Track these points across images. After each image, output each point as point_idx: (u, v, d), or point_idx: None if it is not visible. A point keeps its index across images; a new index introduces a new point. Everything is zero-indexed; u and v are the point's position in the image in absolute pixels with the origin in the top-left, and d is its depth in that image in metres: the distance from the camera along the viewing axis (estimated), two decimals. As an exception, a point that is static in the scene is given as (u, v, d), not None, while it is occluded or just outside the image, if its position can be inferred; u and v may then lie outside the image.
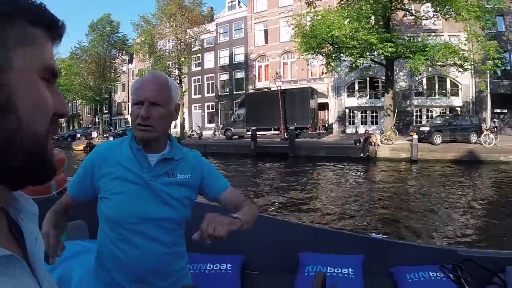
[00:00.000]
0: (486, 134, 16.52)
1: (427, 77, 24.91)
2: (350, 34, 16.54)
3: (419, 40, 17.11)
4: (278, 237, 2.52)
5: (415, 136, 16.40)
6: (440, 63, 17.28)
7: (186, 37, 25.30)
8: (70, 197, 1.30)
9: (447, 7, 16.92)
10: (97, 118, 37.05)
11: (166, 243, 1.26)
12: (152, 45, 25.73)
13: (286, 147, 18.94)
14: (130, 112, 1.27)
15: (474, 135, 17.14)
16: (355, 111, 26.75)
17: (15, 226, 0.47)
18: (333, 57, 18.69)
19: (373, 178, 12.69)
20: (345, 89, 26.70)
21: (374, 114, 26.57)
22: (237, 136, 24.07)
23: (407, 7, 18.48)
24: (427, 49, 16.07)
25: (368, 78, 25.63)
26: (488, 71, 17.76)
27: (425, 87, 25.19)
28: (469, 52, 16.36)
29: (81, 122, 44.19)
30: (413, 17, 19.58)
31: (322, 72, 25.08)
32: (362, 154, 16.88)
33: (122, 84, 38.28)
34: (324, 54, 19.17)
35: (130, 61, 37.92)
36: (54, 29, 0.44)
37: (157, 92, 1.20)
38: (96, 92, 32.79)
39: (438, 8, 17.57)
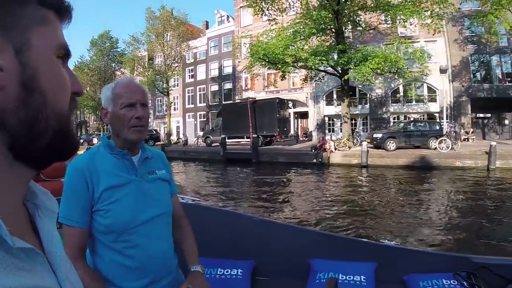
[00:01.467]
0: (442, 139, 16.45)
1: (404, 84, 24.91)
2: (281, 51, 17.44)
3: (368, 49, 17.39)
4: (289, 243, 2.47)
5: (365, 143, 16.74)
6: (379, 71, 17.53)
7: (172, 53, 27.06)
8: (82, 228, 1.18)
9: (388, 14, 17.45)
10: (102, 125, 39.15)
11: (167, 238, 1.31)
12: (140, 60, 27.81)
13: (250, 153, 19.92)
14: (113, 116, 1.22)
15: (434, 141, 16.96)
16: (334, 119, 26.80)
17: (32, 222, 0.46)
18: (284, 70, 19.51)
19: (317, 181, 13.16)
20: (324, 98, 27.02)
21: (353, 121, 26.68)
22: (218, 143, 25.24)
23: (357, 19, 18.96)
24: (369, 58, 16.42)
25: (348, 87, 25.93)
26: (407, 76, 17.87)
27: (401, 93, 25.11)
28: (398, 59, 16.50)
29: (88, 128, 46.40)
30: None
31: (302, 82, 25.88)
32: (315, 160, 17.43)
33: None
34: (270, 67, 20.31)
35: (132, 74, 39.95)
36: (62, 9, 0.45)
37: (145, 95, 1.25)
38: (97, 102, 34.45)
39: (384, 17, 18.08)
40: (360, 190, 11.07)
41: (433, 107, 24.33)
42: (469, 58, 24.00)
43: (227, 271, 2.29)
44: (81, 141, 35.43)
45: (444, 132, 16.85)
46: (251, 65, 19.46)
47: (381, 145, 17.42)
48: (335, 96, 26.54)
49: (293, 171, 15.80)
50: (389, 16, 17.19)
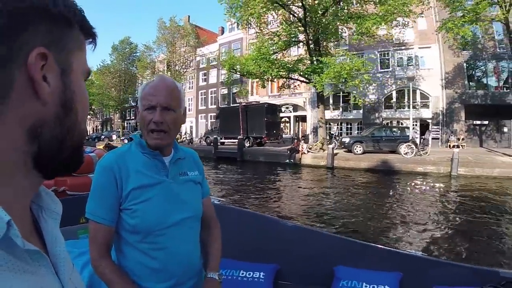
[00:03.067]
0: (407, 145, 17.05)
1: (397, 90, 25.25)
2: (250, 63, 18.99)
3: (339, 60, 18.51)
4: (314, 248, 2.44)
5: (331, 146, 17.85)
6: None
7: (181, 59, 29.79)
8: (108, 225, 1.15)
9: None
10: (125, 123, 43.16)
11: (194, 242, 1.28)
12: (160, 63, 30.75)
13: (236, 152, 21.71)
14: (139, 117, 1.22)
15: (403, 146, 17.53)
16: (331, 123, 27.60)
17: (36, 224, 0.47)
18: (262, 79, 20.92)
19: (283, 179, 14.45)
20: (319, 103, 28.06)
21: (349, 126, 27.41)
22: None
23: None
24: (329, 68, 17.35)
25: (341, 92, 26.83)
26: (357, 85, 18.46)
27: (394, 100, 25.48)
28: (348, 69, 17.37)
29: (112, 125, 50.05)
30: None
31: (279, 89, 27.54)
32: (287, 160, 18.84)
33: None
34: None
35: (151, 77, 42.97)
36: (92, 35, 0.47)
37: (169, 97, 1.18)
38: (117, 102, 38.07)
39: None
40: (306, 188, 12.24)
41: (426, 113, 24.42)
42: (464, 64, 23.82)
43: (249, 274, 2.27)
44: (102, 137, 38.98)
45: (410, 138, 17.54)
46: (228, 79, 21.40)
47: (349, 148, 18.34)
48: (331, 101, 27.41)
49: (266, 169, 17.33)
50: (357, 26, 18.18)
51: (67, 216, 0.51)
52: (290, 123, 30.41)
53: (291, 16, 19.21)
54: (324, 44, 19.82)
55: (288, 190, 11.80)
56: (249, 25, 20.42)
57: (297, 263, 2.41)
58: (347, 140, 18.78)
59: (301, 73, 19.51)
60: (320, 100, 20.13)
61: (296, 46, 20.34)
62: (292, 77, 21.06)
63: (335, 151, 18.63)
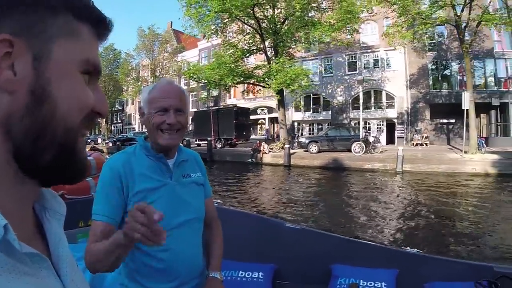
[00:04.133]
0: (357, 144, 17.96)
1: (364, 91, 26.26)
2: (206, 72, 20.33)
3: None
4: (310, 247, 2.48)
5: (287, 146, 18.91)
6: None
7: (159, 66, 31.24)
8: (109, 223, 1.16)
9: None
10: (112, 127, 44.35)
11: (197, 243, 1.31)
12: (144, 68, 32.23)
13: (206, 153, 22.93)
14: (146, 120, 1.23)
15: (354, 144, 18.40)
16: (303, 124, 28.67)
17: (40, 225, 0.46)
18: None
19: (243, 176, 15.51)
20: (292, 105, 28.76)
21: (320, 126, 28.29)
22: (195, 144, 28.71)
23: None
24: (277, 75, 18.57)
25: (311, 95, 27.95)
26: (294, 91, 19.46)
27: (361, 101, 26.48)
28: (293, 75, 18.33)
29: (100, 129, 50.17)
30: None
31: (242, 94, 28.83)
32: (250, 160, 19.97)
33: (132, 99, 43.31)
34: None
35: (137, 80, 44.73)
36: (100, 26, 0.45)
37: (181, 100, 1.22)
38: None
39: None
40: (261, 183, 13.53)
41: (391, 113, 25.21)
42: (428, 65, 24.63)
43: (248, 274, 2.29)
44: (88, 140, 40.36)
45: (361, 138, 18.59)
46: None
47: (306, 148, 19.24)
48: (302, 103, 28.50)
49: (230, 167, 18.41)
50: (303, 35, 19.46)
51: (65, 220, 0.51)
52: (265, 124, 31.51)
53: (247, 27, 20.50)
54: (284, 50, 20.91)
55: (246, 185, 13.01)
56: (213, 36, 21.76)
57: (295, 262, 2.44)
58: (303, 140, 19.78)
59: (259, 79, 20.67)
60: (280, 103, 21.22)
61: (258, 53, 21.59)
62: (250, 83, 22.24)
63: (295, 150, 19.78)
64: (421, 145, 23.00)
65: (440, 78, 24.99)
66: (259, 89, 23.97)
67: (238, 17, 19.57)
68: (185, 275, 1.24)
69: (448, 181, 12.78)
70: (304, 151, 19.75)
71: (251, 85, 23.12)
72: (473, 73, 24.03)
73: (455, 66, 24.67)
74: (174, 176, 1.26)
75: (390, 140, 25.66)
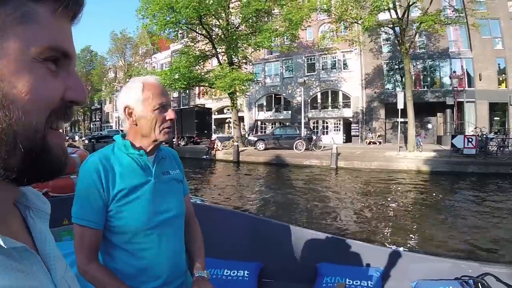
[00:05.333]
0: (298, 142, 19.08)
1: (321, 92, 27.35)
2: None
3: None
4: (297, 245, 2.46)
5: (235, 143, 20.28)
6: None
7: (131, 68, 32.97)
8: (96, 228, 1.14)
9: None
10: (91, 125, 45.81)
11: (180, 240, 1.31)
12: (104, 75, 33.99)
13: (167, 150, 24.64)
14: (147, 117, 1.20)
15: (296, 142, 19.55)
16: (266, 123, 29.90)
17: (26, 224, 0.45)
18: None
19: (197, 170, 16.80)
20: (256, 105, 30.02)
21: (281, 125, 29.88)
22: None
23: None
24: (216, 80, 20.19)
25: (273, 95, 29.28)
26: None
27: (319, 101, 27.59)
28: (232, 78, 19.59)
29: (80, 127, 51.91)
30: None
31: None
32: (204, 156, 21.23)
33: (110, 98, 44.05)
34: None
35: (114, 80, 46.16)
36: (66, 4, 0.38)
37: (169, 97, 1.28)
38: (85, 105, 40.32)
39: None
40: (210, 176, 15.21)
41: (347, 113, 26.24)
42: (383, 65, 25.62)
43: (233, 272, 2.28)
44: (66, 137, 41.53)
45: (302, 136, 19.92)
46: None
47: (254, 145, 20.44)
48: (264, 103, 29.84)
49: (187, 163, 19.86)
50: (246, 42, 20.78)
51: (50, 218, 0.48)
52: (229, 123, 32.87)
53: (198, 35, 22.10)
54: (236, 55, 22.23)
55: (195, 177, 14.36)
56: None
57: (280, 260, 2.43)
58: (251, 138, 21.17)
59: (209, 82, 22.09)
60: (233, 104, 22.59)
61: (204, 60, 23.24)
62: (202, 85, 23.77)
63: (246, 148, 21.17)
64: (374, 143, 24.18)
65: (394, 78, 26.05)
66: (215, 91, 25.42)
67: (188, 27, 21.06)
68: (169, 274, 1.23)
69: (378, 177, 13.92)
70: (254, 148, 21.14)
71: (202, 87, 24.54)
72: (429, 72, 25.44)
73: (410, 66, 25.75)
74: (154, 174, 1.24)
75: (349, 138, 26.88)
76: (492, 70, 24.91)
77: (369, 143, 24.17)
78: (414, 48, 25.42)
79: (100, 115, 50.34)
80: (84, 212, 1.15)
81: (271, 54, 28.04)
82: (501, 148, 16.39)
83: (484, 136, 17.38)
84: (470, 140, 16.48)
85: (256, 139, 20.69)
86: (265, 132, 29.74)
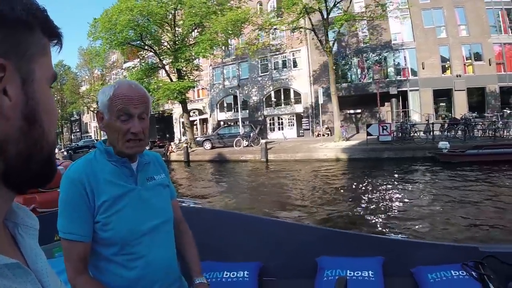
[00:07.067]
0: (237, 140, 21.42)
1: (274, 90, 29.50)
2: None
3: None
4: (295, 241, 2.49)
5: (185, 145, 23.05)
6: None
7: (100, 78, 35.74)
8: (84, 242, 1.13)
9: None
10: (72, 136, 48.71)
11: (170, 246, 1.30)
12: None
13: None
14: (106, 125, 1.18)
15: (244, 140, 22.01)
16: (228, 123, 32.24)
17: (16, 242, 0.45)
18: None
19: None
20: (218, 106, 32.49)
21: (243, 123, 32.23)
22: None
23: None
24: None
25: (232, 97, 31.57)
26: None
27: (273, 99, 29.81)
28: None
29: (62, 138, 54.00)
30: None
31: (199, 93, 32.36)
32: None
33: (87, 107, 45.95)
34: None
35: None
36: (56, 37, 0.44)
37: (144, 105, 1.18)
38: (60, 118, 43.11)
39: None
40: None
41: (298, 108, 28.52)
42: (328, 62, 27.96)
43: (233, 274, 2.28)
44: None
45: (240, 134, 21.96)
46: None
47: (202, 145, 23.03)
48: (225, 104, 32.29)
49: None
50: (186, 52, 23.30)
51: (40, 235, 0.49)
52: (197, 125, 35.37)
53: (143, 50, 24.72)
54: (182, 66, 24.62)
55: None
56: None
57: (280, 258, 2.45)
58: (199, 138, 23.94)
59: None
60: (184, 109, 25.14)
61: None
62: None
63: (196, 148, 23.69)
64: (322, 135, 26.32)
65: (340, 73, 28.00)
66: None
67: (132, 45, 23.83)
68: (163, 281, 1.23)
69: (301, 167, 16.23)
70: (204, 148, 23.62)
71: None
72: (373, 65, 27.38)
73: (355, 60, 27.71)
74: (139, 181, 1.23)
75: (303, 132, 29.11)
76: (435, 58, 26.51)
77: (318, 135, 26.17)
78: (358, 43, 27.61)
79: (79, 125, 53.09)
80: (70, 226, 1.12)
81: (229, 57, 30.31)
82: (425, 133, 18.00)
83: (406, 123, 19.42)
84: (385, 127, 18.61)
85: (203, 139, 23.09)
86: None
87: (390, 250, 2.32)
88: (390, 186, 10.72)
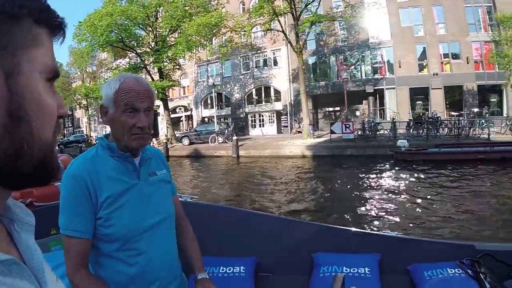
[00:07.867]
0: (212, 136, 22.81)
1: (256, 88, 30.68)
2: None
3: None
4: (291, 237, 2.50)
5: (164, 141, 24.38)
6: None
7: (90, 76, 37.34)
8: (85, 238, 1.14)
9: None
10: (65, 131, 49.84)
11: (172, 242, 1.32)
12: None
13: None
14: (111, 119, 1.18)
15: (219, 137, 23.29)
16: (212, 120, 33.89)
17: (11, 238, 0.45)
18: None
19: None
20: (202, 103, 33.81)
21: (226, 120, 32.94)
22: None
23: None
24: None
25: (216, 94, 32.86)
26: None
27: (255, 97, 30.89)
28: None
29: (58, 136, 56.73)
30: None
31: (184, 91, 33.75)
32: (142, 154, 25.64)
33: (78, 103, 46.98)
34: None
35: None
36: (58, 27, 0.42)
37: (149, 100, 1.19)
38: None
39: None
40: None
41: (278, 106, 29.69)
42: (308, 60, 28.70)
43: (229, 269, 2.30)
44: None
45: (215, 131, 23.30)
46: None
47: (181, 141, 24.41)
48: (209, 101, 33.33)
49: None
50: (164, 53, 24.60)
51: (37, 229, 0.49)
52: (183, 121, 36.73)
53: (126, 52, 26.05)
54: (162, 66, 25.94)
55: None
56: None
57: (276, 253, 2.46)
58: (178, 135, 25.29)
59: None
60: (165, 107, 26.47)
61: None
62: None
63: (175, 144, 25.10)
64: (300, 132, 27.48)
65: (318, 71, 29.19)
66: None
67: (114, 46, 25.17)
68: (164, 277, 1.25)
69: (267, 162, 17.61)
70: (183, 144, 24.98)
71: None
72: (350, 64, 28.37)
73: (332, 59, 28.75)
74: (141, 175, 1.24)
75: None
76: (412, 56, 27.14)
77: (295, 132, 27.19)
78: (336, 42, 28.62)
79: (72, 120, 54.57)
80: (72, 223, 1.12)
81: (213, 56, 31.57)
82: (390, 132, 18.88)
83: (372, 122, 20.54)
84: (348, 126, 19.77)
85: (182, 135, 24.54)
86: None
87: (386, 247, 2.34)
88: (345, 179, 12.01)
